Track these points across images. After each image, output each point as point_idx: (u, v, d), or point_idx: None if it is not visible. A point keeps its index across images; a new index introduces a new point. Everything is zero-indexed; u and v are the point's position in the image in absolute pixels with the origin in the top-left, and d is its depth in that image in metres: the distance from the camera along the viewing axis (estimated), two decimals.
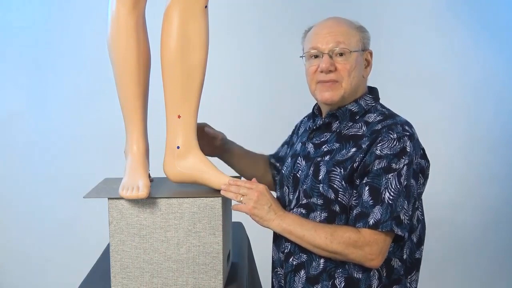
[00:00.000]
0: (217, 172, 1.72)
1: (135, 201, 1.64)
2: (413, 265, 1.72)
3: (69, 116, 3.15)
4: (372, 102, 1.74)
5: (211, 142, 1.98)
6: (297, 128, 1.99)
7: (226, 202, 1.74)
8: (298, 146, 1.84)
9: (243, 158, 2.05)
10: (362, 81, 1.75)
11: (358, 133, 1.68)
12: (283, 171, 1.84)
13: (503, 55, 3.21)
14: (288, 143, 2.02)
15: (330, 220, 1.66)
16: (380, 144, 1.61)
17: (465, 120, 3.25)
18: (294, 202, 1.74)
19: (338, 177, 1.65)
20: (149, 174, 1.81)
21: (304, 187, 1.71)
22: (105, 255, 1.89)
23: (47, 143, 3.16)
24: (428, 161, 1.70)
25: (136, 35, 1.72)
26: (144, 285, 1.66)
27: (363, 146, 1.64)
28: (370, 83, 1.81)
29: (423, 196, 1.73)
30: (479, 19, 3.19)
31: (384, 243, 1.60)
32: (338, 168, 1.65)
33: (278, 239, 1.79)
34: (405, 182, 1.60)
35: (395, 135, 1.62)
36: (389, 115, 1.70)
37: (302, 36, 1.80)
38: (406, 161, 1.60)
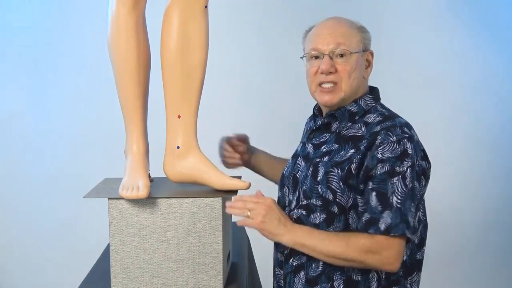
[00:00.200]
0: (217, 172, 1.72)
1: (135, 201, 1.64)
2: (414, 266, 1.72)
3: (69, 116, 3.15)
4: (372, 102, 1.74)
5: (236, 151, 2.01)
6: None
7: (226, 202, 1.74)
8: (299, 147, 1.84)
9: (271, 163, 2.06)
10: (363, 82, 1.75)
11: (357, 134, 1.68)
12: (284, 172, 1.84)
13: (503, 55, 3.21)
14: None
15: (328, 221, 1.66)
16: (380, 147, 1.60)
17: (465, 120, 3.24)
18: (294, 203, 1.74)
19: (335, 178, 1.64)
20: (149, 174, 1.81)
21: (304, 188, 1.71)
22: (105, 255, 1.89)
23: (47, 143, 3.16)
24: (429, 162, 1.69)
25: (136, 35, 1.72)
26: (144, 285, 1.66)
27: (361, 147, 1.64)
28: (370, 83, 1.81)
29: (424, 197, 1.73)
30: (479, 19, 3.18)
31: (400, 246, 1.59)
32: (336, 169, 1.65)
33: None
34: (410, 185, 1.59)
35: (395, 137, 1.61)
36: (388, 116, 1.70)
37: (303, 36, 1.79)
38: (409, 163, 1.59)
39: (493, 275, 3.31)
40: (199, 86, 1.73)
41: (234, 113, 3.17)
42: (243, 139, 2.08)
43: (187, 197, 1.65)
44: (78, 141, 3.16)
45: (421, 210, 1.71)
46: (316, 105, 1.85)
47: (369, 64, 1.75)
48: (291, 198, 1.76)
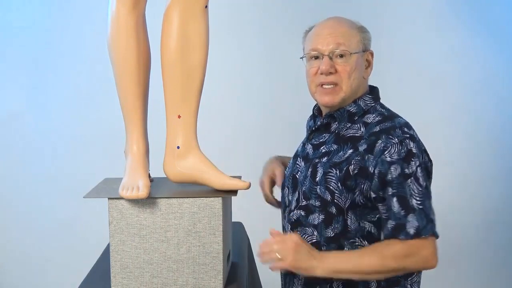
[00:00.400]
0: (217, 172, 1.72)
1: (135, 201, 1.64)
2: None
3: (69, 116, 3.15)
4: (372, 102, 1.74)
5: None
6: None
7: (226, 202, 1.74)
8: (299, 147, 1.83)
9: None
10: (363, 82, 1.75)
11: (356, 134, 1.68)
12: (285, 172, 1.84)
13: (503, 55, 3.21)
14: None
15: (327, 222, 1.65)
16: (386, 151, 1.59)
17: (466, 120, 3.24)
18: (294, 204, 1.73)
19: (334, 178, 1.64)
20: (149, 174, 1.81)
21: (303, 188, 1.71)
22: (105, 255, 1.89)
23: (47, 143, 3.16)
24: (430, 160, 1.69)
25: (136, 35, 1.72)
26: (144, 285, 1.66)
27: (360, 148, 1.63)
28: (370, 83, 1.81)
29: None
30: (479, 19, 3.18)
31: (433, 243, 1.58)
32: (334, 170, 1.65)
33: None
34: (424, 183, 1.59)
35: (396, 139, 1.61)
36: (388, 116, 1.69)
37: (303, 36, 1.79)
38: (417, 163, 1.59)
39: (493, 275, 3.31)
40: (199, 86, 1.73)
41: (234, 113, 3.17)
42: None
43: (187, 197, 1.65)
44: (78, 141, 3.16)
45: None
46: (315, 105, 1.84)
47: (369, 64, 1.75)
48: (290, 198, 1.76)
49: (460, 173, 3.24)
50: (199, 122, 1.78)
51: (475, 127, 3.24)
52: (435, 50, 3.18)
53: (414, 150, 1.60)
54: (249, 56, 3.16)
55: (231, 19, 3.09)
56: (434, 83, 3.20)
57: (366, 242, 1.64)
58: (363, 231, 1.65)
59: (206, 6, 1.70)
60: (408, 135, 1.62)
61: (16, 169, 3.17)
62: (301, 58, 1.77)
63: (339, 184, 1.63)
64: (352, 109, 1.72)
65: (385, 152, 1.59)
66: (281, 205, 1.85)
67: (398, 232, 1.57)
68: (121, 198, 1.64)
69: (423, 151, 1.64)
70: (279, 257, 1.56)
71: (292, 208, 1.73)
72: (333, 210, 1.64)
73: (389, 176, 1.58)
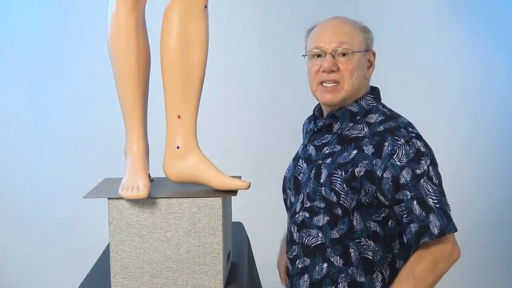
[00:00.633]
0: (217, 172, 1.72)
1: (135, 201, 1.64)
2: None
3: (69, 116, 3.15)
4: (373, 102, 1.73)
5: None
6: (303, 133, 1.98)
7: (226, 202, 1.74)
8: (300, 149, 1.83)
9: None
10: (364, 82, 1.74)
11: (359, 134, 1.67)
12: (286, 174, 1.83)
13: (503, 55, 3.21)
14: None
15: (332, 223, 1.65)
16: (394, 155, 1.59)
17: (466, 120, 3.24)
18: (299, 206, 1.73)
19: (339, 180, 1.64)
20: (149, 174, 1.81)
21: (307, 190, 1.70)
22: (105, 255, 1.89)
23: (47, 143, 3.16)
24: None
25: (136, 35, 1.72)
26: (144, 285, 1.66)
27: (365, 148, 1.63)
28: (370, 83, 1.81)
29: None
30: (479, 19, 3.18)
31: (452, 238, 1.61)
32: (339, 171, 1.64)
33: (288, 242, 1.79)
34: (437, 181, 1.60)
35: (402, 139, 1.61)
36: (390, 116, 1.69)
37: (305, 34, 1.78)
38: (428, 161, 1.60)
39: (494, 275, 3.30)
40: (199, 86, 1.73)
41: (234, 113, 3.17)
42: None
43: (187, 197, 1.65)
44: (78, 141, 3.16)
45: None
46: (316, 106, 1.84)
47: (371, 64, 1.75)
48: (293, 200, 1.76)
49: (461, 173, 3.23)
50: (199, 122, 1.78)
51: (475, 127, 3.24)
52: (435, 50, 3.18)
53: (422, 149, 1.60)
54: (249, 56, 3.16)
55: (231, 19, 3.10)
56: (434, 83, 3.20)
57: (371, 242, 1.64)
58: (369, 231, 1.65)
59: (206, 6, 1.70)
60: (413, 134, 1.63)
61: (16, 169, 3.17)
62: (303, 56, 1.77)
63: (344, 185, 1.63)
64: (354, 108, 1.71)
65: (394, 156, 1.59)
66: (286, 207, 1.85)
67: (422, 234, 1.57)
68: (121, 198, 1.64)
69: (430, 148, 1.65)
70: None
71: (297, 210, 1.72)
72: (339, 211, 1.64)
73: (403, 179, 1.58)
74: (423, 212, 1.57)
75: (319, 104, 1.81)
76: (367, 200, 1.63)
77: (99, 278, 1.77)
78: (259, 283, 2.23)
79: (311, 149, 1.75)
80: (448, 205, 1.62)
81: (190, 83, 1.71)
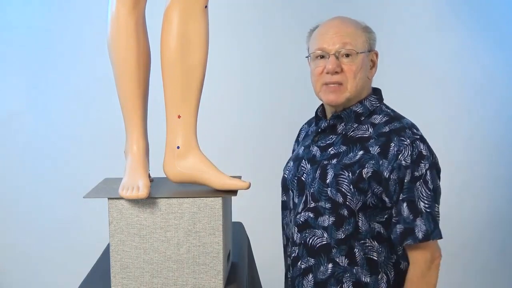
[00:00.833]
0: (217, 172, 1.72)
1: (135, 201, 1.64)
2: None
3: (69, 116, 3.15)
4: (377, 103, 1.74)
5: None
6: (298, 137, 1.98)
7: (226, 202, 1.74)
8: (300, 150, 1.82)
9: None
10: (367, 82, 1.75)
11: (364, 135, 1.67)
12: (286, 175, 1.83)
13: (503, 55, 3.21)
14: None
15: (338, 224, 1.65)
16: (400, 155, 1.60)
17: (466, 120, 3.24)
18: (301, 206, 1.73)
19: (346, 181, 1.64)
20: (149, 174, 1.81)
21: (312, 190, 1.70)
22: (105, 255, 1.89)
23: (47, 143, 3.16)
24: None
25: (136, 35, 1.72)
26: (144, 285, 1.66)
27: (371, 149, 1.63)
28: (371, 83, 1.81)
29: None
30: (479, 19, 3.18)
31: (435, 244, 1.64)
32: (346, 172, 1.64)
33: (286, 244, 1.78)
34: (432, 186, 1.61)
35: (408, 140, 1.62)
36: (394, 117, 1.70)
37: (307, 35, 1.78)
38: (427, 166, 1.61)
39: (494, 275, 3.30)
40: (199, 86, 1.73)
41: (234, 113, 3.17)
42: None
43: (187, 197, 1.64)
44: (78, 141, 3.16)
45: None
46: (318, 107, 1.84)
47: (373, 64, 1.75)
48: (296, 201, 1.76)
49: (461, 173, 3.23)
50: (199, 122, 1.78)
51: (475, 127, 3.24)
52: (435, 50, 3.18)
53: (424, 152, 1.61)
54: (249, 56, 3.16)
55: (231, 19, 3.10)
56: (435, 84, 3.20)
57: (375, 243, 1.65)
58: (373, 232, 1.65)
59: (206, 6, 1.70)
60: (418, 136, 1.64)
61: (16, 169, 3.17)
62: (306, 57, 1.77)
63: (351, 187, 1.63)
64: (359, 109, 1.71)
65: (399, 156, 1.60)
66: (287, 208, 1.84)
67: (406, 236, 1.59)
68: (121, 198, 1.64)
69: (432, 152, 1.65)
70: None
71: (299, 210, 1.72)
72: (345, 212, 1.64)
73: (405, 180, 1.61)
74: (411, 215, 1.59)
75: (321, 105, 1.81)
76: (372, 202, 1.63)
77: (99, 278, 1.77)
78: (259, 283, 2.23)
79: (315, 150, 1.75)
80: (437, 213, 1.63)
81: (190, 83, 1.71)
